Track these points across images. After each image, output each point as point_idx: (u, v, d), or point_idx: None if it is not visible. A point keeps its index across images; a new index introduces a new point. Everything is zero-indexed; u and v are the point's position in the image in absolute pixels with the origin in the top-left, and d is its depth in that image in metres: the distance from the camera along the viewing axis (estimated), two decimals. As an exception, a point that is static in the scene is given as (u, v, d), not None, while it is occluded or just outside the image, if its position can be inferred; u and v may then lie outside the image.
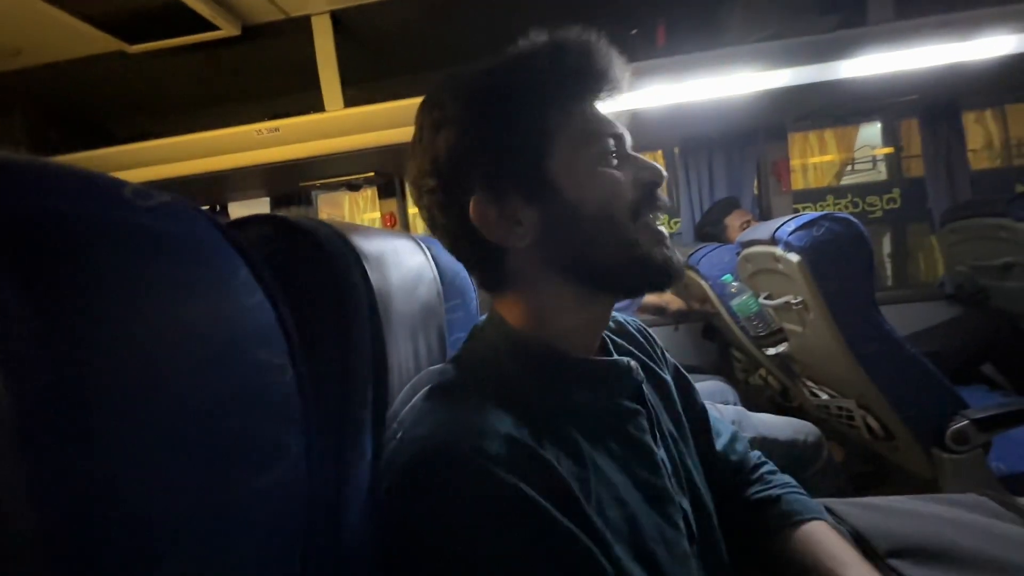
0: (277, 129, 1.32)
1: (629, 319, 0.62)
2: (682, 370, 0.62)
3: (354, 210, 4.94)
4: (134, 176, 1.55)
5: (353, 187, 1.91)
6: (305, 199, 2.26)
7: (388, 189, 2.11)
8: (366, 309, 0.36)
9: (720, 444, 0.61)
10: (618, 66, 0.46)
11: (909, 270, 4.21)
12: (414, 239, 0.65)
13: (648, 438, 0.48)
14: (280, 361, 0.21)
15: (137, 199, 0.18)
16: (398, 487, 0.36)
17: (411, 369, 0.54)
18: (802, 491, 0.59)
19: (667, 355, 0.62)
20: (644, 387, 0.51)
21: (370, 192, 3.39)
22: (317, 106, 1.41)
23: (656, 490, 0.45)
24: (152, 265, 0.18)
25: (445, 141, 0.44)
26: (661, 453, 0.48)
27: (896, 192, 4.19)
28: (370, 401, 0.37)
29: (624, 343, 0.57)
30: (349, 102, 1.40)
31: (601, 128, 0.46)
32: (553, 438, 0.41)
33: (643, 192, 0.46)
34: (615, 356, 0.50)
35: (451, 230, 0.47)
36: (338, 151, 1.41)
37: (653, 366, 0.57)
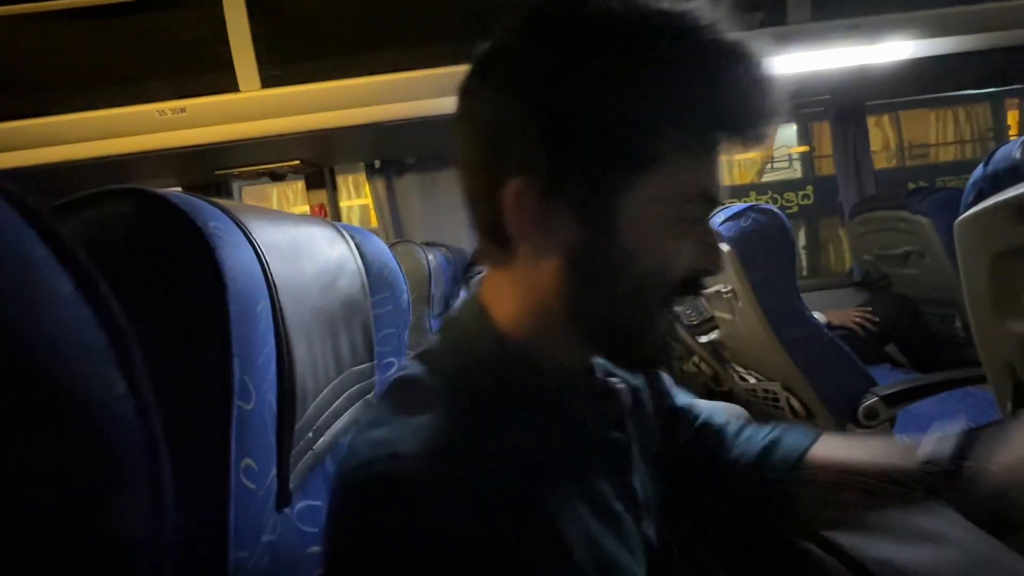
0: (183, 110, 1.19)
1: None
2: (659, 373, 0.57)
3: (283, 203, 4.65)
4: (10, 160, 1.35)
5: (276, 177, 1.78)
6: (224, 190, 2.08)
7: (317, 179, 1.99)
8: (261, 303, 0.30)
9: (740, 446, 0.56)
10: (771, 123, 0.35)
11: (821, 260, 4.57)
12: (335, 227, 0.59)
13: (625, 468, 0.44)
14: (104, 372, 0.16)
15: None
16: (349, 501, 0.32)
17: (331, 370, 0.48)
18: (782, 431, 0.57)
19: None
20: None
21: (301, 184, 3.19)
22: (231, 87, 1.28)
23: (625, 524, 0.41)
24: None
25: (532, 85, 0.34)
26: (636, 481, 0.44)
27: (810, 189, 4.53)
28: (271, 409, 0.31)
29: None
30: (268, 83, 1.29)
31: (708, 181, 0.37)
32: (527, 462, 0.36)
33: (690, 277, 0.38)
34: (606, 376, 0.44)
35: (475, 191, 0.39)
36: (256, 136, 1.29)
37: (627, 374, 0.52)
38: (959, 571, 0.45)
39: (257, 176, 1.79)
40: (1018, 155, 0.54)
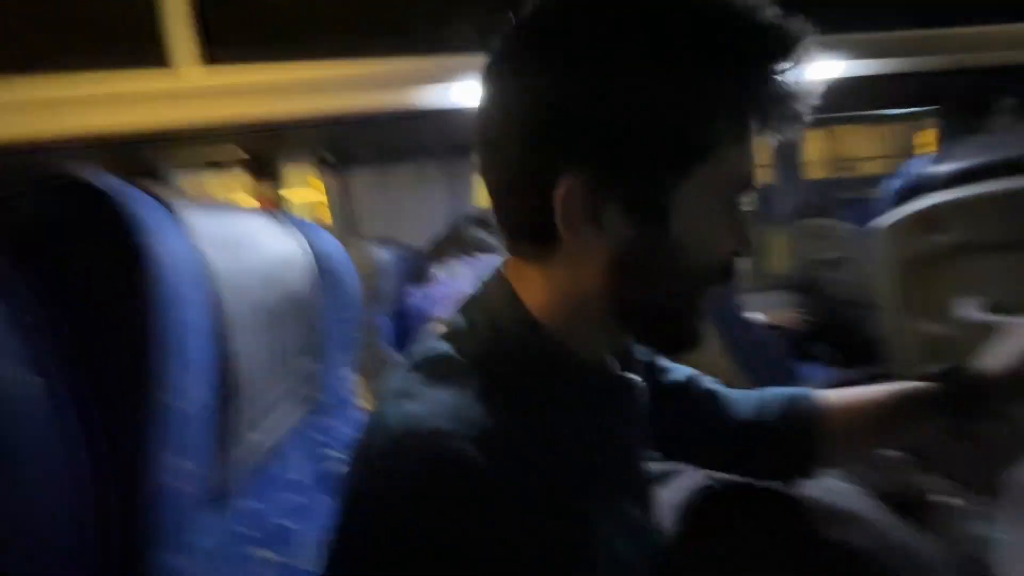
0: (111, 91, 1.10)
1: None
2: (656, 365, 0.58)
3: (227, 196, 4.42)
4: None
5: (218, 167, 1.69)
6: (159, 180, 1.95)
7: (263, 172, 1.90)
8: (197, 296, 0.29)
9: (747, 411, 0.57)
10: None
11: (761, 264, 4.82)
12: (283, 219, 0.57)
13: (635, 461, 0.45)
14: (15, 372, 0.15)
15: None
16: (382, 475, 0.30)
17: (277, 367, 0.47)
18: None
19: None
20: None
21: (247, 176, 3.03)
22: (166, 67, 1.20)
23: (633, 519, 0.43)
24: None
25: (590, 76, 0.33)
26: (643, 474, 0.46)
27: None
28: (207, 408, 0.30)
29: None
30: (209, 66, 1.22)
31: (749, 169, 0.37)
32: (562, 452, 0.36)
33: (729, 260, 0.39)
34: (625, 371, 0.45)
35: (513, 187, 0.37)
36: (194, 123, 1.22)
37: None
38: (872, 546, 0.50)
39: (196, 166, 1.70)
40: (924, 171, 0.59)
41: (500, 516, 0.29)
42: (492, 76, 0.37)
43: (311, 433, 0.56)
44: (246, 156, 1.64)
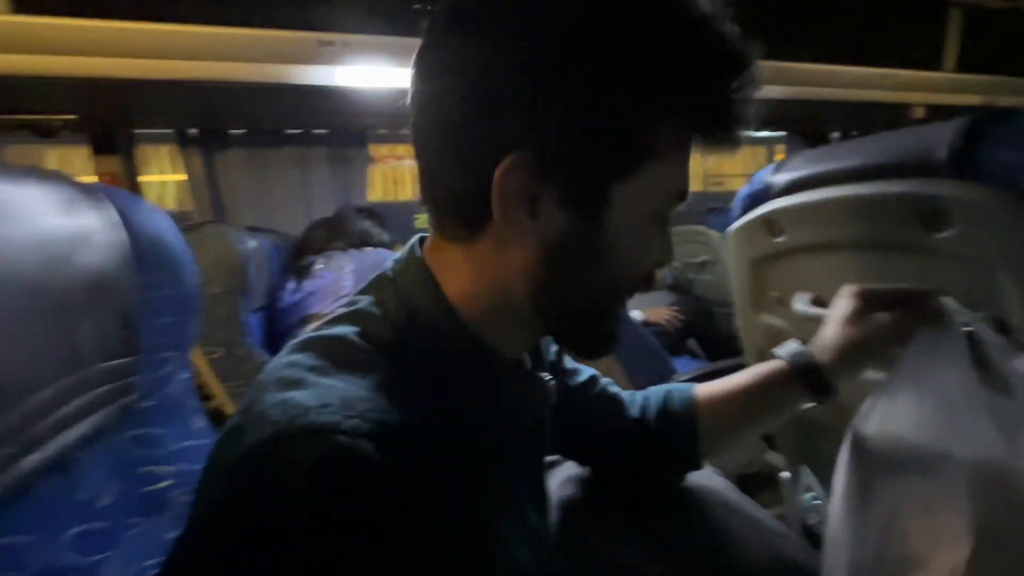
0: None
1: None
2: (562, 365, 0.58)
3: (67, 170, 3.74)
4: None
5: (44, 133, 1.41)
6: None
7: (106, 142, 1.63)
8: None
9: (635, 411, 0.58)
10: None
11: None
12: (84, 188, 0.47)
13: (540, 462, 0.45)
14: None
15: None
16: (264, 475, 0.26)
17: (58, 365, 0.38)
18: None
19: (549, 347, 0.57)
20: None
21: (86, 150, 2.57)
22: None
23: (533, 523, 0.42)
24: None
25: (543, 56, 0.32)
26: (544, 475, 0.46)
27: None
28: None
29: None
30: (23, 9, 1.01)
31: (683, 180, 0.38)
32: (469, 451, 0.33)
33: (651, 268, 0.40)
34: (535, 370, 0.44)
35: (449, 162, 0.35)
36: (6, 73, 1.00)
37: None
38: (729, 519, 0.54)
39: (14, 129, 1.40)
40: (767, 180, 0.66)
41: (398, 522, 0.26)
42: (443, 41, 0.35)
43: (121, 445, 0.46)
44: (74, 121, 1.39)
